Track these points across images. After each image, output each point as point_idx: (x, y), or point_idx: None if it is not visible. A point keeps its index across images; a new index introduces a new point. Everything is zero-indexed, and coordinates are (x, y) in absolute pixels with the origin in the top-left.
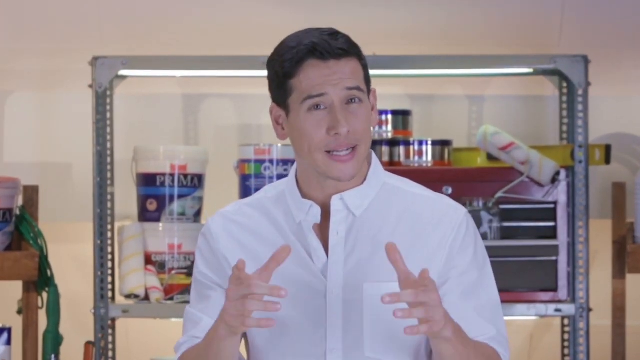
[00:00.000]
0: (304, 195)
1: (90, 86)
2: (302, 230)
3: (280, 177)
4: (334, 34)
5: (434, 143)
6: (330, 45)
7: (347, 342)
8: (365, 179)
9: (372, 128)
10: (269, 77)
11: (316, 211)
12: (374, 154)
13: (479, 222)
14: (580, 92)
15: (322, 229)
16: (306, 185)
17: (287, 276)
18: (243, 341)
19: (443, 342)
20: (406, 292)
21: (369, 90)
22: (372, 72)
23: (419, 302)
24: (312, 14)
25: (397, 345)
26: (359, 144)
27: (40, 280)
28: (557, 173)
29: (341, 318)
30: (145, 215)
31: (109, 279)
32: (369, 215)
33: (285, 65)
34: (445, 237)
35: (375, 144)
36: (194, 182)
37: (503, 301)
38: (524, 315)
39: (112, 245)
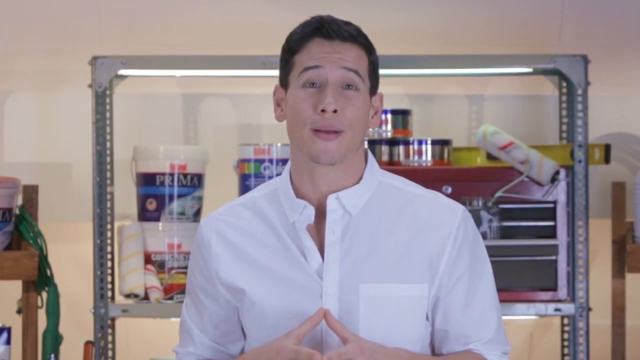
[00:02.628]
0: (298, 195)
1: (90, 86)
2: (295, 230)
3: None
4: (347, 22)
5: (434, 142)
6: (339, 27)
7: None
8: (361, 178)
9: (369, 129)
10: (280, 57)
11: (310, 212)
12: (370, 153)
13: (478, 222)
14: (579, 91)
15: (317, 229)
16: (300, 184)
17: (282, 277)
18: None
19: None
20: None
21: (373, 88)
22: None
23: None
24: (311, 14)
25: (393, 345)
26: (345, 131)
27: (40, 279)
28: (557, 172)
29: (337, 318)
30: (144, 215)
31: (109, 278)
32: (365, 215)
33: (292, 41)
34: (443, 239)
35: (375, 144)
36: (194, 182)
37: (502, 300)
38: (524, 315)
39: (112, 244)
